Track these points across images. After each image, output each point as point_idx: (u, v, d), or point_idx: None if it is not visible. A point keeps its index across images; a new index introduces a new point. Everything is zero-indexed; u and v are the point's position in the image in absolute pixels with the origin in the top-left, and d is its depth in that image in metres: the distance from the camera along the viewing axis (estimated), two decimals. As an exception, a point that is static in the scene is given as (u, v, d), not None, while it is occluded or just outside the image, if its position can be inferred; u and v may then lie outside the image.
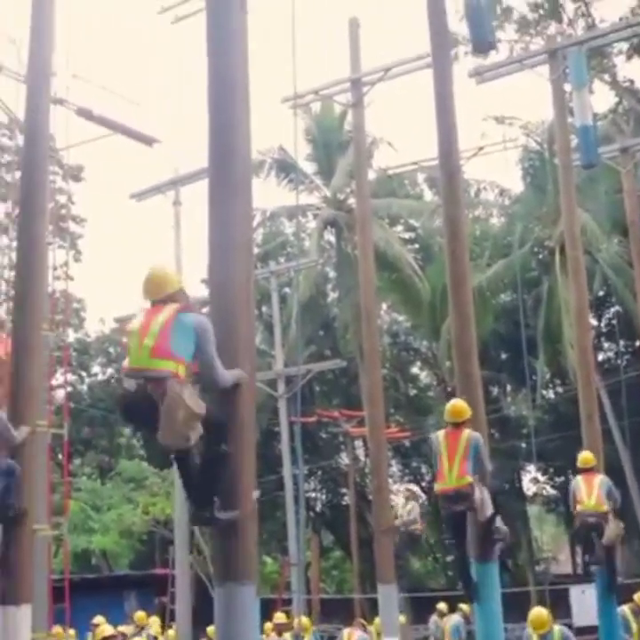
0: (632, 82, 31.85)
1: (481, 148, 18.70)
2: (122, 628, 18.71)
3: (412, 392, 41.17)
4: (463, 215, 11.82)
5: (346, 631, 16.24)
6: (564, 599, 25.60)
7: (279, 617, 18.13)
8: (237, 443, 6.05)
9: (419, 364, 42.01)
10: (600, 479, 12.44)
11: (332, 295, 38.71)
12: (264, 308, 33.73)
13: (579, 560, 37.21)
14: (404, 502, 17.71)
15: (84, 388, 39.42)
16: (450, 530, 10.90)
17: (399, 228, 37.50)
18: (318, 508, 41.37)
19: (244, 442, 6.13)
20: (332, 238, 34.58)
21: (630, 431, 26.31)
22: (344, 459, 37.65)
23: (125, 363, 6.00)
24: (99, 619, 18.63)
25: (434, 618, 20.92)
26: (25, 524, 9.92)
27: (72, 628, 16.83)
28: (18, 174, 13.44)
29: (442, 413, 10.81)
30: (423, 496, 36.24)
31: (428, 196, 38.17)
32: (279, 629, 17.68)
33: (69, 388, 25.68)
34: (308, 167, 35.25)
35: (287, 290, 34.64)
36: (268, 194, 46.48)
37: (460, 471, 9.48)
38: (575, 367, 17.33)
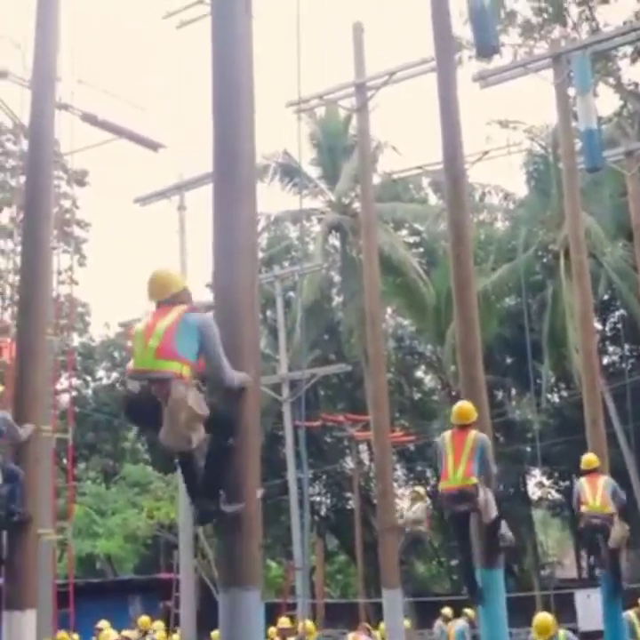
0: (636, 85, 31.87)
1: (485, 153, 18.71)
2: (126, 633, 18.73)
3: (417, 396, 41.15)
4: (468, 219, 11.81)
5: (351, 636, 16.24)
6: (570, 603, 25.56)
7: (283, 622, 18.10)
8: (242, 447, 6.05)
9: (423, 367, 42.00)
10: (604, 480, 12.43)
11: (337, 299, 38.70)
12: (268, 313, 33.69)
13: (584, 564, 37.14)
14: (410, 504, 17.63)
15: (89, 392, 39.44)
16: (453, 531, 10.87)
17: (404, 232, 37.51)
18: (323, 512, 41.32)
19: (249, 446, 6.13)
20: (337, 242, 34.59)
21: (635, 435, 26.30)
22: (349, 463, 37.62)
23: (130, 364, 6.02)
24: (103, 623, 18.66)
25: (438, 622, 20.87)
26: (29, 529, 9.93)
27: (76, 633, 16.87)
28: (22, 179, 13.48)
29: (446, 417, 10.81)
30: (428, 500, 36.17)
31: (433, 200, 38.17)
32: (283, 634, 17.64)
33: (74, 393, 25.67)
34: (313, 171, 35.30)
35: (292, 294, 34.64)
36: (272, 198, 46.50)
37: (465, 471, 9.45)
38: (580, 371, 17.33)
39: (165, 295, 6.03)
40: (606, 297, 32.65)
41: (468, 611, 18.77)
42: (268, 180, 33.33)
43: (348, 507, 38.73)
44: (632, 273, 29.37)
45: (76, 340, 35.22)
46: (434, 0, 12.08)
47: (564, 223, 21.87)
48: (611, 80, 31.37)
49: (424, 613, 26.52)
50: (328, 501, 42.08)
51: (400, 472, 38.95)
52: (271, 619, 17.23)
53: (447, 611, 20.80)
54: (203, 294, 25.89)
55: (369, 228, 16.44)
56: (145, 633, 19.05)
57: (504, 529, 9.86)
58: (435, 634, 21.27)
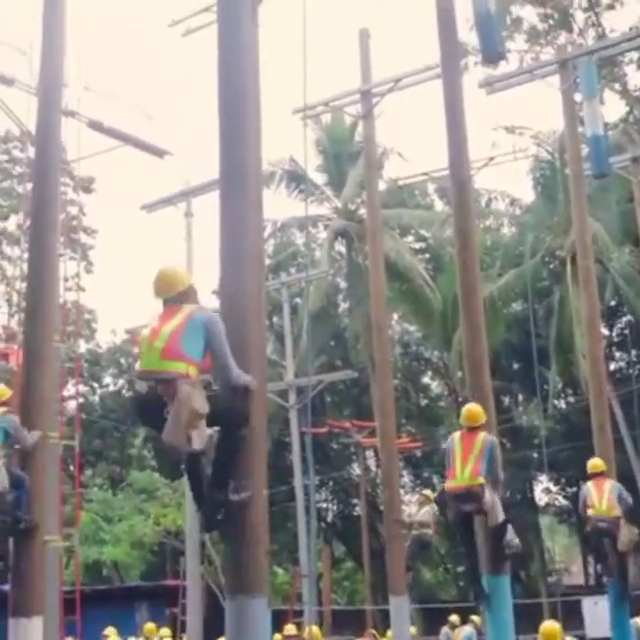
0: (643, 91, 31.82)
1: (492, 158, 18.71)
2: (132, 640, 18.73)
3: (424, 402, 41.09)
4: (474, 225, 11.81)
5: (357, 642, 16.20)
6: (577, 610, 25.45)
7: (289, 629, 18.07)
8: (249, 453, 6.06)
9: (430, 373, 41.94)
10: (611, 484, 12.45)
11: (343, 306, 38.68)
12: (275, 319, 33.70)
13: (591, 571, 37.07)
14: (418, 508, 17.58)
15: (96, 399, 39.46)
16: (458, 533, 10.83)
17: (410, 238, 37.48)
18: (329, 518, 41.26)
19: (256, 452, 6.14)
20: (343, 249, 34.58)
21: (643, 441, 26.21)
22: (355, 469, 37.58)
23: (137, 365, 6.06)
24: (109, 630, 18.66)
25: (445, 629, 20.84)
26: (36, 536, 9.93)
27: (83, 640, 16.81)
28: (29, 186, 13.52)
29: (453, 423, 10.81)
30: (435, 506, 36.07)
31: (439, 206, 38.16)
32: (290, 641, 17.63)
33: (81, 399, 25.69)
34: (319, 178, 35.30)
35: (298, 300, 34.63)
36: (278, 205, 46.54)
37: (473, 471, 9.42)
38: (587, 377, 17.29)
39: (171, 293, 6.07)
40: (613, 303, 32.59)
41: (474, 617, 18.74)
42: (274, 186, 33.35)
43: (355, 513, 38.69)
44: (639, 279, 29.36)
45: (83, 347, 35.27)
46: (440, 6, 12.10)
47: (570, 229, 21.83)
48: (617, 86, 31.33)
49: (431, 620, 26.48)
50: (335, 508, 42.03)
51: (407, 478, 38.86)
52: (278, 625, 17.23)
53: (454, 618, 20.77)
54: (209, 301, 25.92)
55: (375, 234, 16.45)
56: (150, 641, 19.06)
57: (511, 535, 9.83)
58: (441, 640, 21.24)
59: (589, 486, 12.42)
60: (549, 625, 11.78)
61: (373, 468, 36.70)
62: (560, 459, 32.02)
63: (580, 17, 31.85)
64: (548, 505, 40.11)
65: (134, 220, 69.63)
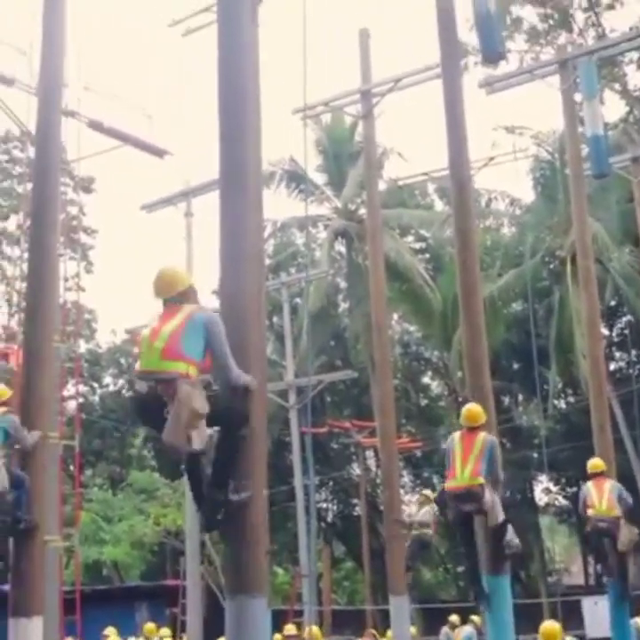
0: (643, 91, 31.82)
1: (492, 158, 18.71)
2: (131, 640, 18.73)
3: (424, 402, 41.08)
4: (474, 225, 11.81)
5: (357, 642, 16.20)
6: (577, 610, 25.45)
7: (289, 629, 18.07)
8: (249, 453, 6.06)
9: (430, 373, 41.94)
10: (611, 483, 12.46)
11: (343, 306, 38.68)
12: (275, 319, 33.71)
13: (591, 571, 37.06)
14: (418, 508, 17.56)
15: (96, 399, 39.46)
16: (457, 533, 10.83)
17: (410, 238, 37.48)
18: (329, 518, 41.27)
19: (256, 452, 6.14)
20: (343, 249, 34.57)
21: (643, 441, 26.20)
22: (355, 469, 37.58)
23: (137, 365, 6.08)
24: (109, 630, 18.66)
25: (445, 629, 20.84)
26: (36, 536, 9.93)
27: (83, 640, 16.81)
28: (29, 186, 13.52)
29: (453, 424, 10.81)
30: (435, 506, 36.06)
31: (439, 206, 38.15)
32: (290, 641, 17.63)
33: (81, 399, 25.69)
34: (319, 178, 35.29)
35: (298, 300, 34.63)
36: (278, 205, 46.53)
37: (473, 471, 9.41)
38: (587, 377, 17.30)
39: (171, 293, 6.08)
40: (613, 303, 32.59)
41: (474, 617, 18.73)
42: (274, 186, 33.34)
43: (355, 513, 38.70)
44: (639, 279, 29.35)
45: (83, 347, 35.27)
46: (440, 6, 12.10)
47: (570, 229, 21.83)
48: (617, 86, 31.33)
49: (431, 620, 26.49)
50: (335, 508, 42.04)
51: (407, 478, 38.86)
52: (278, 625, 17.22)
53: (454, 618, 20.77)
54: (209, 301, 25.92)
55: (375, 234, 16.45)
56: (150, 640, 19.05)
57: (511, 535, 9.83)
58: (441, 640, 21.24)
59: (589, 486, 12.43)
60: (549, 625, 11.78)
61: (373, 468, 36.70)
62: (560, 459, 32.02)
63: (580, 17, 31.87)
64: (548, 505, 40.13)
65: (134, 220, 69.74)
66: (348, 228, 32.64)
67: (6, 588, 10.07)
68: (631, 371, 31.98)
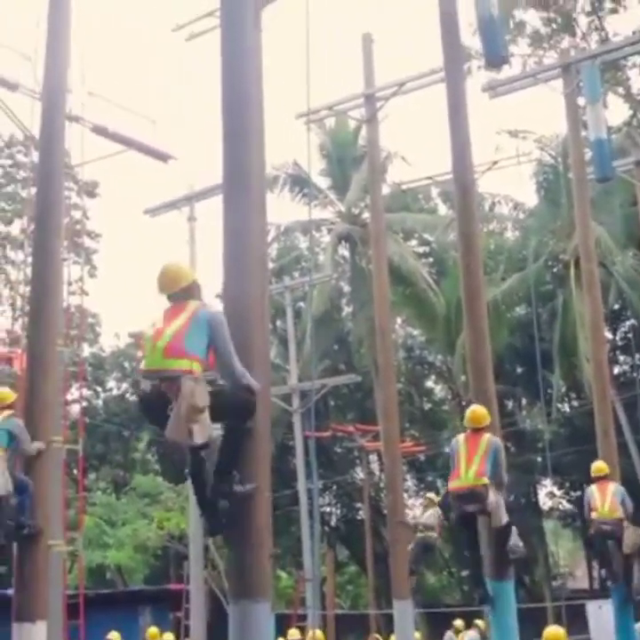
0: (646, 94, 31.81)
1: (495, 162, 18.70)
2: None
3: (427, 406, 41.07)
4: (477, 229, 11.80)
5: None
6: (581, 615, 25.40)
7: (293, 633, 18.08)
8: (253, 457, 6.06)
9: (433, 377, 41.92)
10: (614, 487, 12.46)
11: (347, 309, 38.68)
12: (278, 323, 33.69)
13: (595, 575, 37.00)
14: (422, 511, 17.52)
15: (99, 402, 39.45)
16: (461, 534, 10.80)
17: (413, 242, 37.49)
18: (333, 522, 41.23)
19: (260, 456, 6.14)
20: (347, 253, 34.60)
21: (646, 445, 26.15)
22: (359, 473, 37.55)
23: (142, 364, 6.11)
24: (113, 634, 18.65)
25: (449, 634, 20.82)
26: (40, 541, 9.93)
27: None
28: (33, 190, 13.54)
29: (457, 427, 10.81)
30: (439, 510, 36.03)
31: (443, 210, 38.15)
32: (293, 645, 17.62)
33: (84, 403, 25.73)
34: (323, 182, 35.33)
35: (302, 304, 34.65)
36: (282, 209, 46.54)
37: (477, 471, 9.38)
38: (590, 381, 17.27)
39: (175, 288, 6.13)
40: (617, 306, 32.57)
41: (478, 622, 18.72)
42: (277, 190, 33.39)
43: (359, 517, 38.65)
44: (642, 282, 29.33)
45: (87, 351, 35.27)
46: (443, 10, 12.11)
47: (574, 233, 21.84)
48: (620, 90, 31.34)
49: (435, 624, 26.44)
50: (338, 512, 42.00)
51: (410, 482, 38.85)
52: (281, 630, 17.22)
53: (459, 623, 20.75)
54: (213, 305, 25.92)
55: (378, 238, 16.45)
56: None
57: (515, 539, 9.81)
58: (445, 645, 21.21)
59: (593, 489, 12.45)
60: (553, 630, 11.78)
61: (377, 472, 36.69)
62: (564, 462, 31.98)
63: (583, 21, 31.87)
64: (552, 509, 40.09)
65: (138, 224, 69.91)
66: (352, 232, 32.66)
67: (10, 592, 10.06)
68: (635, 374, 31.91)
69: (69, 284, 15.84)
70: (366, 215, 29.82)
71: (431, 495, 18.57)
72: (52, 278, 10.85)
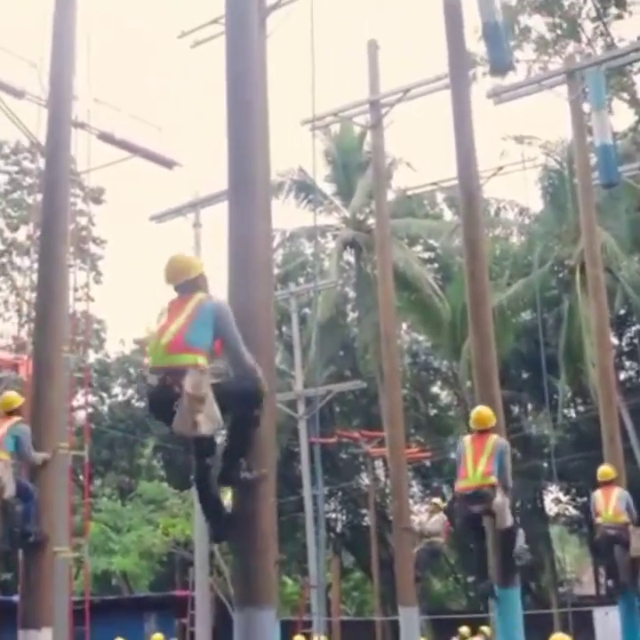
0: (651, 100, 31.79)
1: (500, 168, 18.71)
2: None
3: (433, 412, 41.02)
4: (483, 235, 11.81)
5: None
6: (588, 621, 25.35)
7: None
8: (258, 463, 6.06)
9: (439, 383, 41.88)
10: (618, 491, 12.46)
11: (352, 315, 38.68)
12: (284, 329, 33.73)
13: (602, 581, 36.86)
14: (428, 516, 17.45)
15: (105, 409, 39.50)
16: (466, 534, 10.76)
17: (418, 247, 37.47)
18: (338, 528, 41.19)
19: (265, 461, 6.13)
20: (352, 259, 34.59)
21: (653, 451, 26.08)
22: (364, 479, 37.51)
23: (147, 360, 6.14)
24: (119, 640, 18.64)
25: (455, 640, 20.77)
26: (45, 547, 9.93)
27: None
28: (39, 197, 13.57)
29: (462, 433, 10.76)
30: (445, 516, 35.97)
31: (448, 215, 38.15)
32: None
33: (90, 409, 25.75)
34: (328, 188, 35.35)
35: (307, 310, 34.65)
36: (287, 215, 46.59)
37: (485, 470, 9.37)
38: (596, 386, 17.26)
39: (181, 280, 6.13)
40: (622, 312, 32.51)
41: (484, 628, 18.68)
42: (282, 196, 33.41)
43: (364, 523, 38.62)
44: (648, 287, 29.29)
45: (92, 357, 35.30)
46: (448, 16, 12.12)
47: (579, 238, 21.81)
48: (625, 95, 31.33)
49: (440, 631, 26.37)
50: (344, 518, 41.96)
51: (416, 488, 38.78)
52: (287, 636, 17.18)
53: (465, 629, 20.68)
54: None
55: (383, 243, 16.45)
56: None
57: (521, 541, 9.78)
58: (451, 652, 21.15)
59: (598, 494, 12.46)
60: (560, 636, 11.78)
61: (382, 478, 36.62)
62: (570, 468, 31.92)
63: (588, 26, 31.89)
64: (558, 515, 39.99)
65: (143, 230, 69.84)
66: (357, 238, 32.67)
67: (16, 599, 10.06)
68: (641, 380, 31.91)
69: (75, 290, 15.91)
70: (371, 221, 29.81)
71: (437, 501, 18.52)
72: (58, 284, 10.86)
